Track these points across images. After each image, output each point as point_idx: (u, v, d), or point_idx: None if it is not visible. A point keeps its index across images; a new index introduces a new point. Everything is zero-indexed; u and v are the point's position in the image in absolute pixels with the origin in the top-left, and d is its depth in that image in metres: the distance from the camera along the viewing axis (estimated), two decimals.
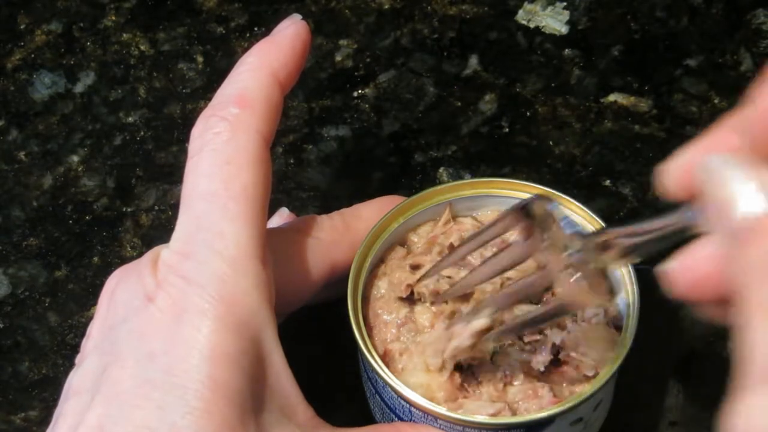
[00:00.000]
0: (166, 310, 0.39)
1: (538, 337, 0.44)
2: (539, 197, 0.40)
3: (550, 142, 0.62)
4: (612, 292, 0.38)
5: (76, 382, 0.40)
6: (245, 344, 0.39)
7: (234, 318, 0.39)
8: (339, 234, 0.47)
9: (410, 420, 0.43)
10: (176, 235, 0.41)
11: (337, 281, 0.47)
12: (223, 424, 0.37)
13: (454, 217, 0.49)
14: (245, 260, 0.40)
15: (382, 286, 0.46)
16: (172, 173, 0.62)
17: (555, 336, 0.43)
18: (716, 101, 0.63)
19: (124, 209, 0.61)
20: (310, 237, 0.46)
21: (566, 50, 0.66)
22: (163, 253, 0.41)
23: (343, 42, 0.68)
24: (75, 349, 0.44)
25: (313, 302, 0.48)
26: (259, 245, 0.41)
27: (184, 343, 0.38)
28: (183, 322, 0.38)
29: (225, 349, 0.38)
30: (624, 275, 0.45)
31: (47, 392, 0.54)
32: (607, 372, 0.42)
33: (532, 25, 0.68)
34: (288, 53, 0.45)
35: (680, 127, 0.62)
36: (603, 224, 0.46)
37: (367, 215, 0.48)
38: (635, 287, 0.44)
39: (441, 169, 0.61)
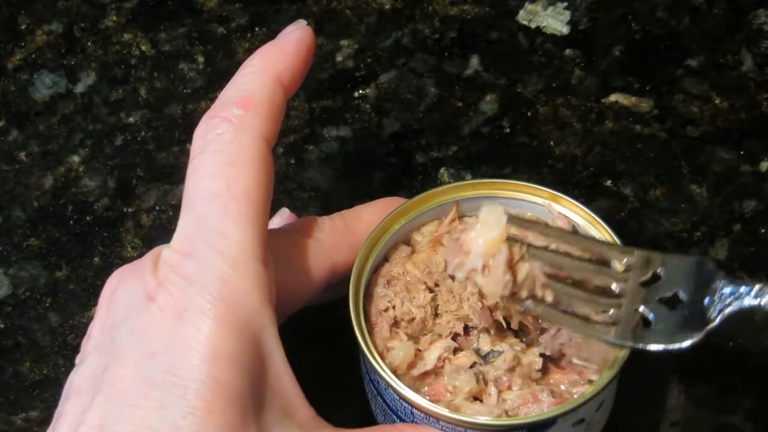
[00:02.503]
0: (167, 309, 0.39)
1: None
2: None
3: (551, 143, 0.62)
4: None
5: (77, 381, 0.40)
6: (246, 344, 0.39)
7: (235, 318, 0.39)
8: (340, 235, 0.47)
9: (412, 421, 0.43)
10: (177, 235, 0.41)
11: (338, 282, 0.47)
12: (224, 424, 0.37)
13: (460, 217, 0.49)
14: (246, 261, 0.40)
15: (409, 268, 0.47)
16: (173, 173, 0.62)
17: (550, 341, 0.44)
18: (717, 101, 0.63)
19: (124, 209, 0.61)
20: (311, 238, 0.46)
21: (567, 50, 0.66)
22: (164, 252, 0.41)
23: (344, 42, 0.68)
24: (76, 349, 0.44)
25: (314, 303, 0.48)
26: (260, 246, 0.41)
27: (184, 343, 0.38)
28: (184, 322, 0.38)
29: (226, 349, 0.38)
30: None
31: (48, 393, 0.54)
32: (609, 373, 0.42)
33: (533, 26, 0.68)
34: (292, 57, 0.45)
35: (681, 128, 0.61)
36: (609, 230, 0.46)
37: (368, 217, 0.48)
38: None
39: (442, 170, 0.61)
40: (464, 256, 0.42)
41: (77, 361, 0.42)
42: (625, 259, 0.43)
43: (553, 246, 0.44)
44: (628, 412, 0.49)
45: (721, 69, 0.64)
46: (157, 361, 0.38)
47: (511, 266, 0.42)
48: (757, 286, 0.39)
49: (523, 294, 0.42)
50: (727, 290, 0.40)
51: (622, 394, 0.46)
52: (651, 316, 0.41)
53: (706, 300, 0.40)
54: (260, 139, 0.42)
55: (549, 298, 0.42)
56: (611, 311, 0.41)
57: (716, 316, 0.39)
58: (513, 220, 0.43)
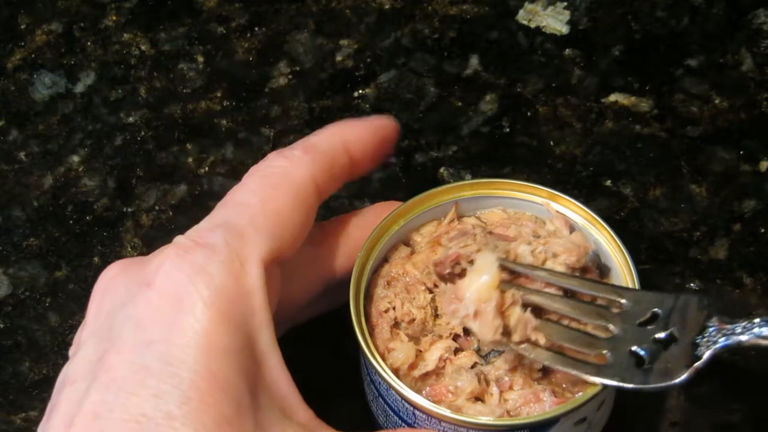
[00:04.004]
0: (166, 295, 0.39)
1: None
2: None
3: (551, 142, 0.62)
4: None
5: (72, 370, 0.40)
6: (242, 342, 0.39)
7: (234, 314, 0.39)
8: (335, 241, 0.47)
9: (414, 422, 0.43)
10: (196, 227, 0.42)
11: (335, 287, 0.47)
12: (219, 416, 0.37)
13: (459, 217, 0.49)
14: (257, 264, 0.40)
15: (409, 270, 0.47)
16: (173, 173, 0.62)
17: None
18: (717, 101, 0.63)
19: (124, 209, 0.61)
20: (307, 245, 0.46)
21: (567, 50, 0.66)
22: (178, 237, 0.41)
23: (343, 42, 0.68)
24: None
25: (314, 314, 0.48)
26: (273, 258, 0.41)
27: (182, 332, 0.38)
28: (183, 310, 0.38)
29: (223, 342, 0.38)
30: (626, 277, 0.45)
31: (48, 393, 0.53)
32: None
33: (532, 25, 0.68)
34: (367, 133, 0.47)
35: (681, 127, 0.61)
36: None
37: (364, 222, 0.48)
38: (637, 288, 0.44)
39: (442, 169, 0.61)
40: (458, 302, 0.43)
41: (71, 353, 0.42)
42: (623, 300, 0.43)
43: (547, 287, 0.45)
44: (628, 412, 0.49)
45: (721, 69, 0.64)
46: (153, 349, 0.37)
47: (502, 312, 0.43)
48: (743, 323, 0.40)
49: (516, 338, 0.43)
50: (715, 328, 0.41)
51: (622, 393, 0.46)
52: (644, 354, 0.41)
53: (698, 338, 0.41)
54: (310, 180, 0.43)
55: (542, 341, 0.43)
56: (604, 351, 0.42)
57: (704, 353, 0.40)
58: (507, 264, 0.44)
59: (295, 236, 0.43)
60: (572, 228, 0.48)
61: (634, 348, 0.41)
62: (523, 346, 0.43)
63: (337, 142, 0.46)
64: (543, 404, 0.42)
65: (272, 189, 0.42)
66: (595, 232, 0.47)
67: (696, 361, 0.40)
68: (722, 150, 0.60)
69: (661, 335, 0.41)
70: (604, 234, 0.46)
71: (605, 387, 0.41)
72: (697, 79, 0.64)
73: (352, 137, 0.46)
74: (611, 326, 0.43)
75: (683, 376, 0.40)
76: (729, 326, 0.40)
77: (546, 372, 0.44)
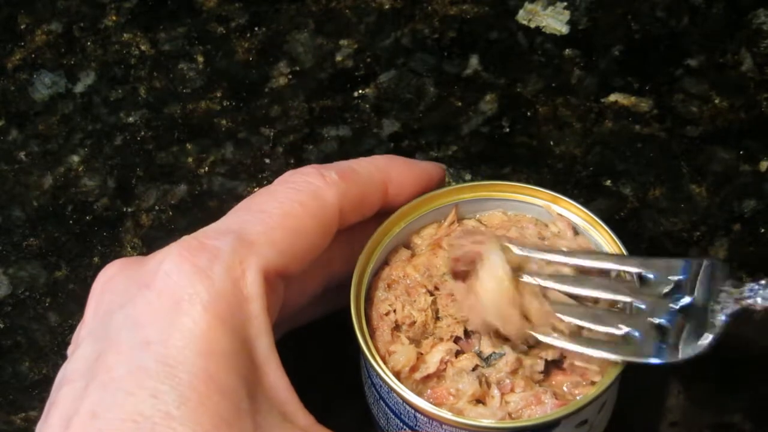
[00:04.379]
0: (165, 295, 0.39)
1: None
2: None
3: (551, 142, 0.62)
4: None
5: (70, 369, 0.40)
6: (239, 346, 0.39)
7: (232, 319, 0.39)
8: (336, 243, 0.47)
9: (415, 425, 0.43)
10: (208, 228, 0.42)
11: (336, 289, 0.47)
12: (218, 417, 0.37)
13: (459, 219, 0.49)
14: (258, 271, 0.40)
15: (410, 272, 0.47)
16: (173, 173, 0.62)
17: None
18: (717, 101, 0.63)
19: (124, 209, 0.60)
20: None
21: (567, 50, 0.66)
22: (184, 237, 0.41)
23: (343, 42, 0.68)
24: None
25: (313, 316, 0.48)
26: (277, 272, 0.41)
27: (180, 334, 0.38)
28: (181, 312, 0.38)
29: (221, 346, 0.38)
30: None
31: (47, 392, 0.53)
32: (612, 374, 0.42)
33: (532, 25, 0.68)
34: (410, 176, 0.47)
35: (681, 127, 0.62)
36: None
37: (365, 224, 0.48)
38: None
39: None
40: (475, 299, 0.43)
41: (69, 352, 0.42)
42: (639, 272, 0.43)
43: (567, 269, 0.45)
44: (628, 412, 0.49)
45: (721, 69, 0.64)
46: (151, 350, 0.37)
47: (520, 304, 0.43)
48: (747, 286, 0.40)
49: (540, 329, 0.43)
50: (726, 293, 0.41)
51: (622, 393, 0.47)
52: (667, 325, 0.41)
53: (712, 305, 0.41)
54: (335, 208, 0.43)
55: (564, 327, 0.43)
56: (628, 328, 0.42)
57: (718, 322, 0.40)
58: (518, 250, 0.44)
59: (306, 257, 0.43)
60: (575, 230, 0.48)
61: (656, 320, 0.41)
62: (549, 335, 0.43)
63: (377, 176, 0.46)
64: (544, 407, 0.42)
65: (298, 205, 0.42)
66: (595, 234, 0.47)
67: (712, 331, 0.40)
68: (722, 150, 0.60)
69: (681, 304, 0.41)
70: (604, 236, 0.47)
71: (609, 387, 0.41)
72: (697, 79, 0.64)
73: (395, 175, 0.46)
74: (631, 300, 0.43)
75: (706, 343, 0.40)
76: (738, 290, 0.40)
77: (547, 374, 0.44)
